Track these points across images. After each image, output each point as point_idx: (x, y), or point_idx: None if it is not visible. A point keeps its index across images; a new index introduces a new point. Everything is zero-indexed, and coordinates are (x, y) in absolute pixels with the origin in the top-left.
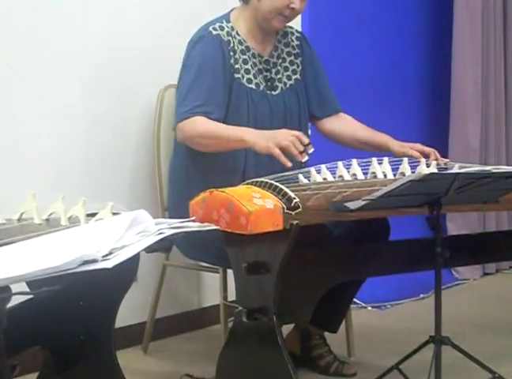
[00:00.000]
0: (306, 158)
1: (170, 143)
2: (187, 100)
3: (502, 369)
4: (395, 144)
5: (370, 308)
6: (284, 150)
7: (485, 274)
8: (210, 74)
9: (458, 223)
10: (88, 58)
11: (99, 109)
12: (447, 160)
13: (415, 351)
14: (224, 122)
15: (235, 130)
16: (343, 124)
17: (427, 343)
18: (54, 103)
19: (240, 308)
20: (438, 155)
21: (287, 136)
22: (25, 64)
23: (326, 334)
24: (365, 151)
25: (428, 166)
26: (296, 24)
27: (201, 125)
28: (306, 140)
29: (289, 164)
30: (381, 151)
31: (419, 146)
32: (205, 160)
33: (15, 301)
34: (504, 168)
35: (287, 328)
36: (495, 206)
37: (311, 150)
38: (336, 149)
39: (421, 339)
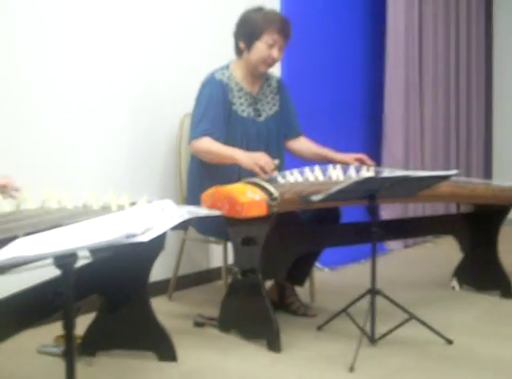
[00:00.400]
0: (275, 174)
1: (188, 153)
2: (199, 126)
3: (418, 313)
4: (335, 155)
5: (326, 269)
6: (261, 168)
7: (406, 246)
8: (214, 108)
9: (388, 211)
10: (132, 92)
11: (140, 127)
12: (373, 163)
13: (357, 299)
14: (224, 140)
15: (228, 151)
16: (302, 144)
17: (366, 294)
18: (106, 123)
19: (236, 269)
20: (366, 159)
21: (262, 159)
22: (90, 95)
23: (296, 287)
24: (316, 161)
25: (368, 170)
26: (277, 71)
27: (206, 144)
28: (275, 163)
29: (264, 177)
30: (326, 161)
31: (352, 155)
32: (213, 166)
33: (81, 263)
34: (419, 173)
35: (269, 284)
36: (413, 199)
37: (276, 170)
38: (303, 160)
39: (361, 291)
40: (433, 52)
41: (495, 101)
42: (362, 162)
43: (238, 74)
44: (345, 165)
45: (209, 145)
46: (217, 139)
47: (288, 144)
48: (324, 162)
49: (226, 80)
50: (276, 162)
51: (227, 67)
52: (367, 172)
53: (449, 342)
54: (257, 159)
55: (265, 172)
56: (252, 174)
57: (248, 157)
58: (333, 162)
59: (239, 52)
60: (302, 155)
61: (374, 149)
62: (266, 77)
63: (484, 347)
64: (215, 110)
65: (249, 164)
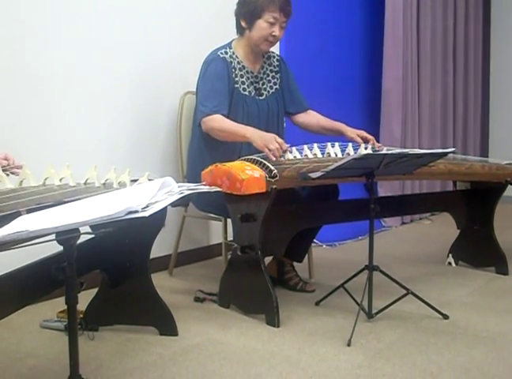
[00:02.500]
0: (285, 157)
1: (188, 131)
2: (208, 102)
3: (415, 288)
4: (347, 130)
5: (324, 246)
6: (270, 151)
7: (403, 223)
8: (221, 84)
9: (386, 188)
10: (133, 71)
11: (140, 107)
12: (380, 145)
13: (355, 275)
14: (226, 116)
15: (240, 128)
16: (310, 117)
17: (363, 270)
18: (107, 102)
19: (236, 245)
20: (375, 141)
21: (274, 142)
22: (92, 74)
23: (295, 263)
24: (327, 135)
25: (366, 148)
26: (276, 49)
27: (219, 122)
28: (284, 147)
29: (273, 159)
30: (338, 135)
31: (364, 133)
32: (213, 144)
33: (82, 239)
34: (417, 151)
35: (268, 259)
36: (410, 176)
37: (286, 152)
38: (303, 137)
39: (359, 267)
40: (431, 31)
41: (492, 80)
42: (367, 141)
43: (240, 53)
44: (352, 142)
45: (222, 123)
46: (224, 115)
47: (296, 119)
48: (333, 136)
49: (229, 59)
50: (285, 148)
51: (229, 46)
52: (366, 150)
53: (445, 317)
54: (269, 142)
55: (275, 155)
56: (252, 152)
57: (260, 138)
58: (345, 136)
59: (240, 30)
60: (310, 128)
61: (372, 128)
62: (267, 56)
63: (479, 322)
64: (222, 85)
65: (260, 145)
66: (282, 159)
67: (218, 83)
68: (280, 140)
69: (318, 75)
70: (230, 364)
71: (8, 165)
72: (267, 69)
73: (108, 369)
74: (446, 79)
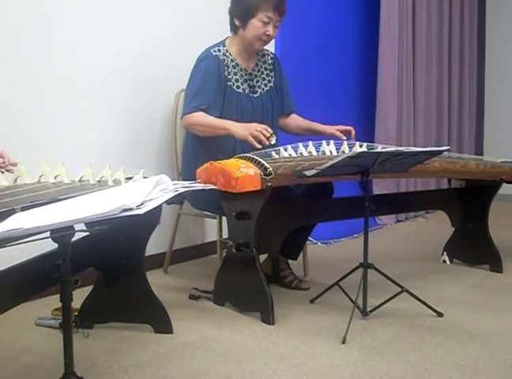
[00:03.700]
0: (273, 141)
1: (183, 129)
2: (193, 101)
3: (408, 285)
4: (326, 128)
5: (319, 244)
6: (255, 137)
7: (398, 221)
8: (210, 82)
9: (380, 186)
10: (128, 69)
11: (135, 104)
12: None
13: (349, 273)
14: (219, 115)
15: (221, 122)
16: (291, 120)
17: (358, 268)
18: (102, 100)
19: (231, 243)
20: (353, 132)
21: (257, 128)
22: (87, 72)
23: (290, 261)
24: (305, 136)
25: (361, 146)
26: (271, 47)
27: (198, 117)
28: (270, 131)
29: (259, 146)
30: (316, 135)
31: (341, 126)
32: (207, 141)
33: (77, 236)
34: (412, 149)
35: (262, 257)
36: (405, 174)
37: (274, 138)
38: (298, 135)
39: (354, 264)
40: (426, 29)
41: (487, 78)
42: (346, 132)
43: (233, 50)
44: (333, 137)
45: (201, 118)
46: (212, 114)
47: (278, 121)
48: (313, 136)
49: (222, 56)
50: (271, 132)
51: (222, 43)
52: (361, 147)
53: (440, 315)
54: (252, 128)
55: (260, 142)
56: (247, 150)
57: (241, 127)
58: (320, 134)
59: (234, 29)
60: (289, 129)
61: (367, 125)
62: (262, 54)
63: (474, 319)
64: (211, 84)
65: (242, 134)
66: (273, 141)
67: (206, 82)
68: (262, 125)
69: (313, 73)
70: (225, 361)
71: (3, 162)
72: (261, 66)
73: (103, 367)
74: (441, 77)
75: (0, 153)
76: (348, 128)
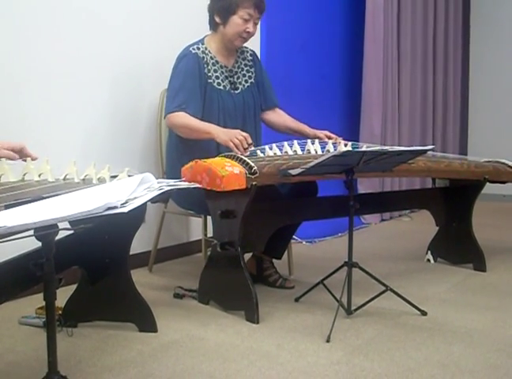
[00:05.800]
0: (248, 153)
1: (168, 128)
2: (175, 99)
3: (393, 284)
4: (311, 130)
5: (304, 242)
6: (236, 145)
7: (382, 220)
8: (191, 81)
9: (365, 185)
10: (112, 67)
11: (120, 102)
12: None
13: (334, 272)
14: (201, 113)
15: (204, 125)
16: (278, 116)
17: (342, 266)
18: (87, 98)
19: (216, 241)
20: (338, 138)
21: (238, 136)
22: (72, 70)
23: (274, 260)
24: (290, 135)
25: (346, 145)
26: (256, 46)
27: (182, 119)
28: (250, 141)
29: (239, 153)
30: (300, 136)
31: (327, 132)
32: (191, 141)
33: (61, 235)
34: (396, 148)
35: (247, 256)
36: (390, 174)
37: (252, 147)
38: (283, 134)
39: (338, 263)
40: (411, 30)
41: (471, 79)
42: (330, 138)
43: (213, 48)
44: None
45: (185, 120)
46: (194, 112)
47: (263, 116)
48: (299, 137)
49: (201, 54)
50: (250, 142)
51: (201, 41)
52: (345, 147)
53: (424, 313)
54: (233, 135)
55: (240, 149)
56: (231, 149)
57: (224, 133)
58: (307, 137)
59: (213, 26)
60: (276, 127)
61: (352, 125)
62: (241, 51)
63: (457, 318)
64: (192, 82)
65: (224, 140)
66: (248, 153)
67: (188, 80)
68: (244, 134)
69: (298, 73)
70: (209, 360)
71: (21, 151)
72: (241, 63)
73: (87, 366)
74: (426, 77)
75: (19, 148)
76: (334, 136)
